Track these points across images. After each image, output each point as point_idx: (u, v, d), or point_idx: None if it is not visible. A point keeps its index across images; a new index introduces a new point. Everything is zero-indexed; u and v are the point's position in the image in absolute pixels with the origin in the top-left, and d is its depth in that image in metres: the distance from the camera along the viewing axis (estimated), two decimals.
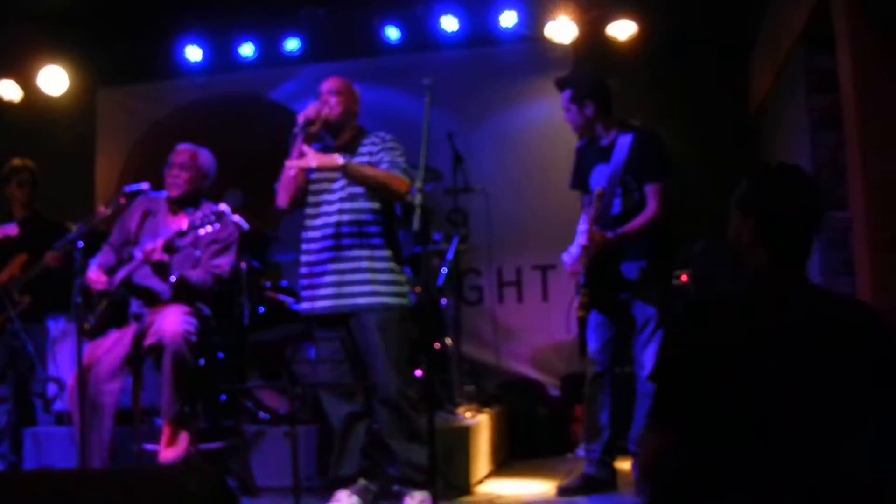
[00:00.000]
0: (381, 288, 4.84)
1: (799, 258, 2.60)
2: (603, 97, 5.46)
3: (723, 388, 2.43)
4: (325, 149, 5.01)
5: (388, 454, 5.06)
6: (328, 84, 5.08)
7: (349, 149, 4.97)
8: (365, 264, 4.84)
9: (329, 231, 4.91)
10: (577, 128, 5.50)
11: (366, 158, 4.93)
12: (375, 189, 4.85)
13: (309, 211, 5.01)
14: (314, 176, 5.00)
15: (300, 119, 4.88)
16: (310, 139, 4.94)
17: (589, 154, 5.52)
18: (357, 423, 4.94)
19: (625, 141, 5.27)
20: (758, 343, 2.43)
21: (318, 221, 4.96)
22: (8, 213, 6.76)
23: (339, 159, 4.71)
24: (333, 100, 5.01)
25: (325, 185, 4.96)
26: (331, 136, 5.04)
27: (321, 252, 4.92)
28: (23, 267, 6.44)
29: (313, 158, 4.71)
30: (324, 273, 4.91)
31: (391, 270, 4.90)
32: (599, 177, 5.33)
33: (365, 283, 4.83)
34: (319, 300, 4.93)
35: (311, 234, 4.99)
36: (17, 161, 6.83)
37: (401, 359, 4.88)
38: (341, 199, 4.90)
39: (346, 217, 4.88)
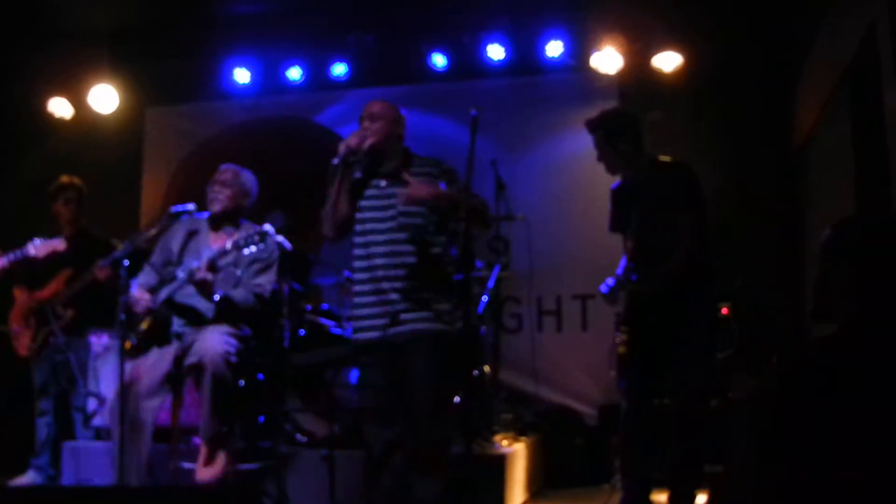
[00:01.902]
0: (428, 314, 4.68)
1: (892, 304, 2.58)
2: (634, 134, 5.49)
3: (825, 434, 2.42)
4: (369, 176, 4.96)
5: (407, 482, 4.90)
6: (369, 109, 4.93)
7: (396, 174, 4.87)
8: (414, 292, 4.68)
9: (379, 260, 4.74)
10: (611, 167, 5.52)
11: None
12: (474, 220, 4.70)
13: (357, 239, 4.85)
14: (363, 203, 4.93)
15: (341, 149, 4.72)
16: (352, 167, 4.84)
17: (625, 194, 5.53)
18: (395, 451, 4.84)
19: (657, 177, 5.30)
20: (861, 390, 2.43)
21: (367, 250, 4.79)
22: (56, 229, 6.85)
23: (442, 185, 4.65)
24: (375, 126, 4.84)
25: (374, 213, 4.82)
26: (375, 162, 4.91)
27: (370, 281, 4.76)
28: (67, 282, 6.52)
29: (426, 191, 4.63)
30: (373, 301, 4.74)
31: (439, 298, 4.74)
32: (638, 217, 5.35)
33: (412, 311, 4.66)
34: (369, 329, 4.75)
35: (359, 262, 4.83)
36: (64, 178, 6.93)
37: (441, 390, 4.73)
38: (391, 229, 4.74)
39: (403, 247, 4.72)
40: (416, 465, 4.69)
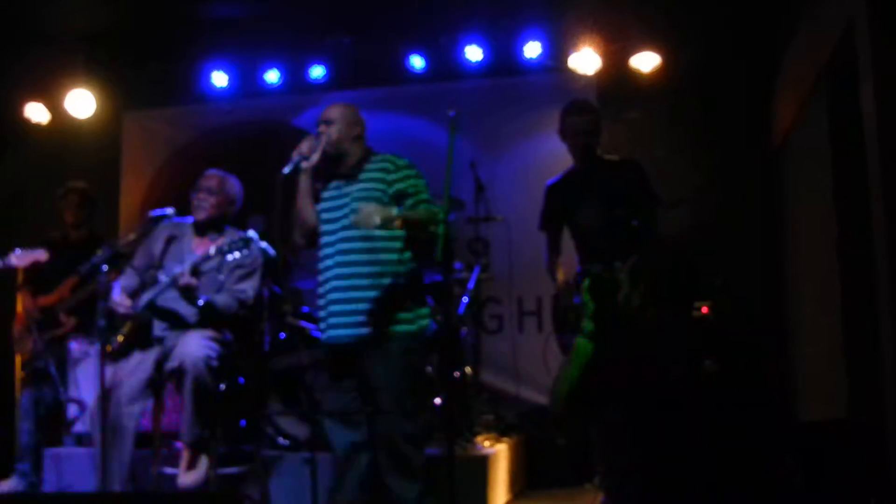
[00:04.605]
0: (387, 317, 4.70)
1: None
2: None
3: None
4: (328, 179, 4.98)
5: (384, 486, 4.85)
6: (325, 114, 4.98)
7: (354, 173, 4.88)
8: (372, 293, 4.71)
9: (338, 258, 4.79)
10: (589, 152, 5.64)
11: (374, 184, 4.82)
12: (424, 231, 4.75)
13: (321, 239, 4.93)
14: (322, 206, 4.94)
15: (294, 155, 4.79)
16: (315, 173, 4.88)
17: (568, 190, 5.61)
18: (359, 454, 4.82)
19: (612, 174, 5.38)
20: None
21: (328, 250, 4.85)
22: (63, 232, 6.87)
23: (394, 211, 4.62)
24: (330, 129, 4.90)
25: (332, 214, 4.88)
26: (333, 164, 4.93)
27: (330, 280, 4.81)
28: (72, 289, 6.51)
29: (376, 215, 4.56)
30: (333, 301, 4.79)
31: (400, 299, 4.75)
32: (589, 212, 5.40)
33: (371, 313, 4.69)
34: (330, 329, 4.81)
35: (322, 262, 4.89)
36: (69, 183, 6.95)
37: (404, 391, 4.73)
38: (344, 227, 4.79)
39: (353, 245, 4.77)
40: (391, 466, 4.71)
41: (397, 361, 4.72)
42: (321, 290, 4.88)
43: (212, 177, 5.74)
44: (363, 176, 4.88)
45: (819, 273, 6.15)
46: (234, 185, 5.79)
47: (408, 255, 4.84)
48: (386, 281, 4.76)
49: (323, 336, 4.88)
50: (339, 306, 4.77)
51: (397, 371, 4.73)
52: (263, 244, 5.72)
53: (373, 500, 4.87)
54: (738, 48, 7.64)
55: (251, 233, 5.32)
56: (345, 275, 4.76)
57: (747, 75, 7.68)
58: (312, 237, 4.96)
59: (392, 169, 4.87)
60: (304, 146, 4.82)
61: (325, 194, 4.97)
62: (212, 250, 5.23)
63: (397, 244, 4.82)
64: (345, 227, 4.80)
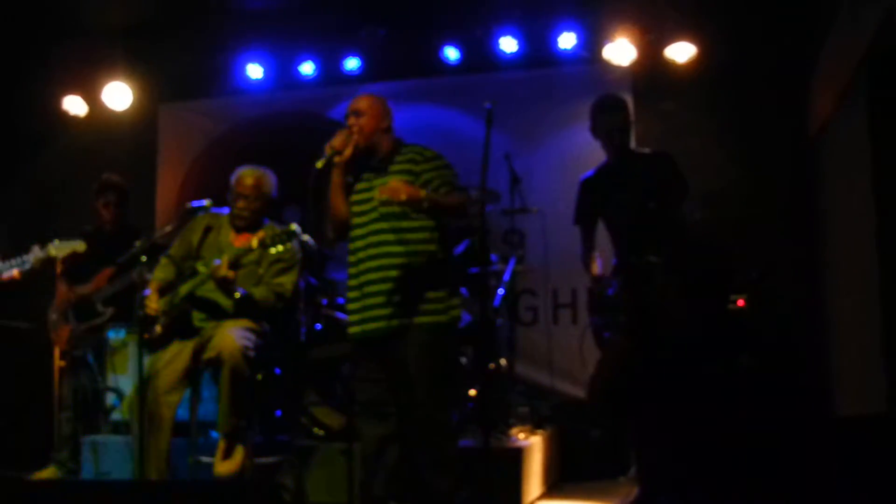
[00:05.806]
0: (419, 307, 4.70)
1: None
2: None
3: None
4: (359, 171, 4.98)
5: (417, 478, 4.85)
6: (354, 104, 4.96)
7: (384, 166, 4.88)
8: (403, 283, 4.70)
9: (370, 251, 4.79)
10: (624, 145, 5.70)
11: (403, 175, 4.77)
12: (453, 217, 4.80)
13: (352, 232, 4.91)
14: (352, 199, 4.91)
15: (326, 150, 4.77)
16: (346, 167, 4.87)
17: (601, 185, 5.61)
18: (390, 445, 4.81)
19: (644, 167, 5.38)
20: None
21: (359, 242, 4.85)
22: (97, 225, 6.92)
23: (422, 192, 4.57)
24: (361, 121, 4.88)
25: (363, 207, 4.87)
26: (364, 156, 4.92)
27: (363, 273, 4.80)
28: (109, 279, 6.57)
29: (403, 191, 4.48)
30: (366, 295, 4.79)
31: (432, 288, 4.74)
32: (622, 206, 5.41)
33: (402, 304, 4.69)
34: (364, 321, 4.80)
35: (353, 255, 4.88)
36: (105, 177, 6.98)
37: (434, 382, 4.74)
38: (373, 220, 4.80)
39: (384, 236, 4.77)
40: (423, 457, 4.71)
41: (427, 351, 4.72)
42: (353, 282, 4.87)
43: (247, 179, 5.72)
44: (393, 168, 4.87)
45: (857, 265, 6.10)
46: (270, 182, 5.78)
47: (436, 243, 4.84)
48: (420, 271, 4.76)
49: (356, 329, 4.86)
50: (372, 299, 4.76)
51: (427, 361, 4.72)
52: (305, 236, 5.73)
53: (404, 492, 4.88)
54: (775, 39, 7.57)
55: (294, 226, 5.31)
56: (376, 267, 4.76)
57: (784, 66, 7.61)
58: (344, 230, 4.94)
59: (420, 160, 4.86)
60: (336, 140, 4.80)
61: (357, 187, 4.95)
62: (254, 243, 5.23)
63: (428, 235, 4.83)
64: (375, 220, 4.80)
